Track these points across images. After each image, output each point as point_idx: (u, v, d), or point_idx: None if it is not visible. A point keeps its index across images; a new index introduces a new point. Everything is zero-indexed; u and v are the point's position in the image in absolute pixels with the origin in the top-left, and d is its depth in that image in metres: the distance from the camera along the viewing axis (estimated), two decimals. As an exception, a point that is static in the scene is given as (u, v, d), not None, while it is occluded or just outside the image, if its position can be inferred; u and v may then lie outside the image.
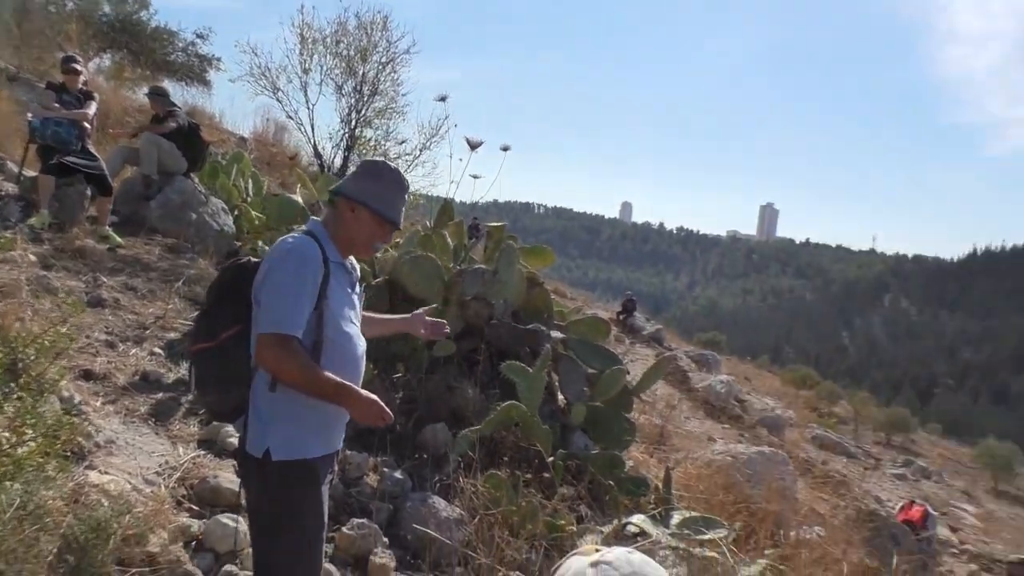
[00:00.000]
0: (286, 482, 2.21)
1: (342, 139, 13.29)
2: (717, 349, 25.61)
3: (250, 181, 8.69)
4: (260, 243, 6.94)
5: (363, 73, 13.09)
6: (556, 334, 5.89)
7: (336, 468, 2.69)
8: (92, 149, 6.66)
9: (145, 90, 9.62)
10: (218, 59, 16.19)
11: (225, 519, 3.26)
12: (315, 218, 2.43)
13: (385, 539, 3.75)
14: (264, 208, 7.83)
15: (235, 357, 2.27)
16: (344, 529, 3.63)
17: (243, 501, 2.35)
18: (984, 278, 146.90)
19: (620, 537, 4.21)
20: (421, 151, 12.88)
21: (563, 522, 4.17)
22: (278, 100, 13.23)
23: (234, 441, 3.88)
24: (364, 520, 3.71)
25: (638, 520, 4.31)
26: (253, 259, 2.37)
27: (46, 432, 2.63)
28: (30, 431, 2.61)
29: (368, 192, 2.31)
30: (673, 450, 7.78)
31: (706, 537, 4.21)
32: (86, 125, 6.59)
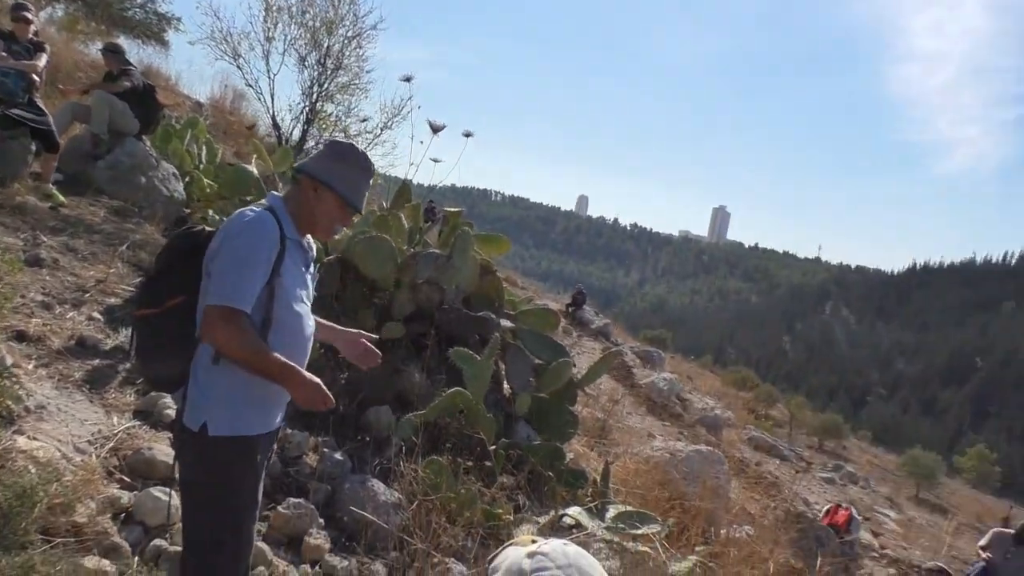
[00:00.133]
0: (221, 458, 2.19)
1: (302, 112, 13.04)
2: (662, 346, 26.01)
3: (204, 148, 8.49)
4: (211, 212, 6.78)
5: (328, 46, 12.84)
6: (506, 323, 5.90)
7: (275, 447, 2.65)
8: (40, 103, 6.41)
9: (99, 45, 9.31)
10: (178, 19, 15.70)
11: (157, 492, 3.20)
12: (275, 193, 2.39)
13: (321, 520, 3.73)
14: (217, 176, 7.67)
15: (179, 326, 2.23)
16: (280, 508, 3.59)
17: (176, 474, 2.31)
18: (921, 292, 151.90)
19: (556, 528, 4.25)
20: (382, 130, 12.74)
21: (501, 511, 4.20)
22: (238, 67, 12.88)
23: (172, 413, 3.79)
24: (301, 500, 3.68)
25: (574, 512, 4.36)
26: (208, 228, 2.32)
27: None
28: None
29: (333, 174, 2.28)
30: (613, 444, 7.89)
31: (640, 532, 4.28)
32: (35, 77, 6.33)
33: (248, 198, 6.17)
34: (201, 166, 8.17)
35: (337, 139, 2.51)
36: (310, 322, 2.37)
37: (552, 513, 4.43)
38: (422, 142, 6.11)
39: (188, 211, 7.40)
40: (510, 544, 1.28)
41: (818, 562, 6.19)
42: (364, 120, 13.06)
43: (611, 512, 4.52)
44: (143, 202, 6.99)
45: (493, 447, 4.68)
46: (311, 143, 12.97)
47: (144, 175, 7.17)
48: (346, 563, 3.52)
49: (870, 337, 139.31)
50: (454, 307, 5.53)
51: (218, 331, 2.07)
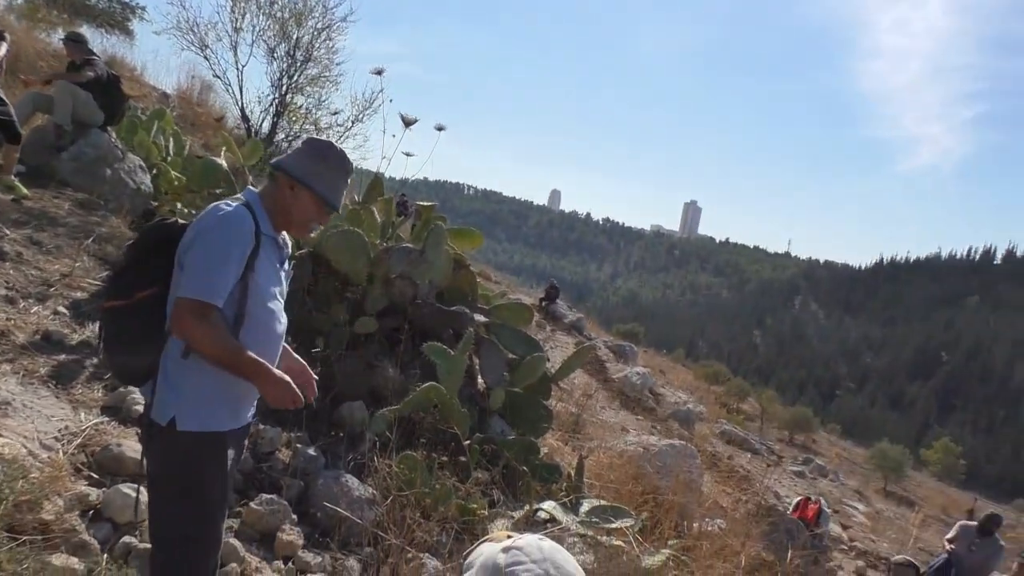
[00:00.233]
0: (190, 453, 2.16)
1: (271, 104, 12.90)
2: (635, 340, 26.18)
3: (171, 140, 8.34)
4: (179, 205, 6.67)
5: (297, 38, 12.71)
6: (479, 317, 5.89)
7: (247, 442, 2.61)
8: (0, 93, 6.26)
9: (61, 35, 9.10)
10: (142, 8, 15.45)
11: (126, 488, 3.14)
12: (252, 188, 2.36)
13: (294, 516, 3.69)
14: (185, 169, 7.53)
15: (149, 319, 2.19)
16: (253, 504, 3.55)
17: (144, 469, 2.27)
18: (888, 287, 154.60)
19: (531, 523, 4.25)
20: (353, 123, 12.66)
21: (475, 506, 4.19)
22: (205, 58, 12.71)
23: (140, 408, 3.73)
24: (274, 496, 3.64)
25: (549, 507, 4.36)
26: (181, 220, 2.28)
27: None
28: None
29: (311, 173, 2.25)
30: (587, 439, 7.91)
31: (613, 526, 4.29)
32: (-5, 67, 6.19)
33: (218, 191, 6.08)
34: (169, 158, 8.03)
35: (315, 137, 2.48)
36: (283, 319, 2.34)
37: (527, 508, 4.43)
38: (394, 136, 6.06)
39: (156, 204, 7.26)
40: (485, 540, 1.28)
41: (788, 555, 6.26)
42: (335, 113, 12.96)
43: (585, 506, 4.53)
44: (109, 195, 6.84)
45: (467, 442, 4.67)
46: (281, 135, 12.84)
47: (109, 167, 7.02)
48: (319, 559, 3.50)
49: (838, 331, 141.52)
50: (427, 302, 5.50)
51: (188, 325, 2.03)
